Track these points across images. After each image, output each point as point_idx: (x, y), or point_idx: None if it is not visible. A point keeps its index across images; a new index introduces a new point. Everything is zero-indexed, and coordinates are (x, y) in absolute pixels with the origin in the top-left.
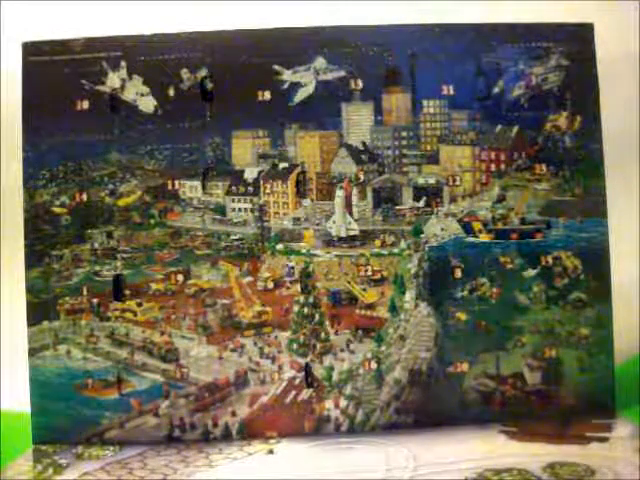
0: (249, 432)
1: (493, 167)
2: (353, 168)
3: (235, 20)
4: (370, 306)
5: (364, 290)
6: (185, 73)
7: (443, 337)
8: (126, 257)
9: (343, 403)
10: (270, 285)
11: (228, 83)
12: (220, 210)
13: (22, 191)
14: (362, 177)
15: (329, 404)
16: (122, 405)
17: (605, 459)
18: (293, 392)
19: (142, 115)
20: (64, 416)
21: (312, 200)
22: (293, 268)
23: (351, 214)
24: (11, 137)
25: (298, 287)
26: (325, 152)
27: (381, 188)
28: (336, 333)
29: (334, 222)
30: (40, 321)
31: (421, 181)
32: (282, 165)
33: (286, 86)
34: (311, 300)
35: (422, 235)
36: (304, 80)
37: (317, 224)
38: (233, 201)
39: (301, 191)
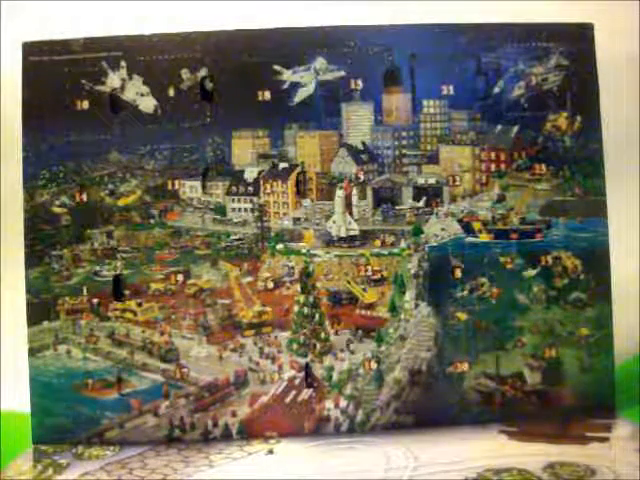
0: (249, 432)
1: (493, 167)
2: (353, 168)
3: (235, 20)
4: (370, 306)
5: (364, 290)
6: (185, 73)
7: (443, 337)
8: (126, 257)
9: (343, 403)
10: (270, 285)
11: (228, 83)
12: (220, 210)
13: (22, 191)
14: (362, 177)
15: (329, 404)
16: (122, 405)
17: (605, 459)
18: (293, 392)
19: (142, 115)
20: (64, 416)
21: (312, 200)
22: (293, 268)
23: (351, 214)
24: (11, 137)
25: (298, 287)
26: (325, 152)
27: (381, 188)
28: (336, 333)
29: (334, 222)
30: (40, 321)
31: (421, 181)
32: (282, 165)
33: (286, 86)
34: (311, 300)
35: (422, 235)
36: (304, 80)
37: (317, 224)
38: (233, 201)
39: (301, 191)
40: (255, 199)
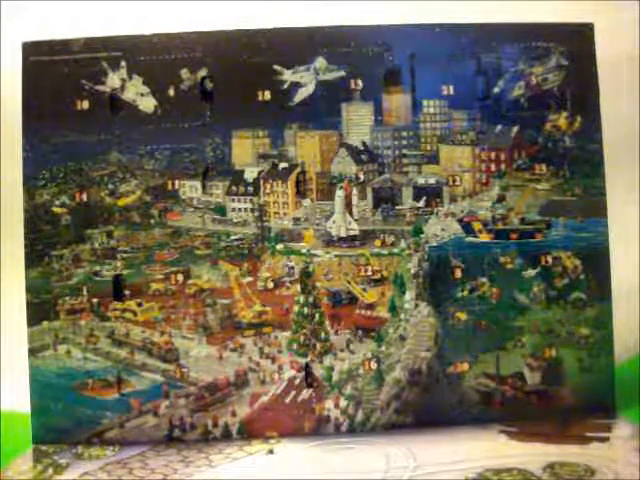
0: (249, 432)
1: (493, 167)
2: (353, 168)
3: (235, 20)
4: (370, 306)
5: (364, 290)
6: (185, 73)
7: (443, 337)
8: (126, 257)
9: (343, 403)
10: (270, 285)
11: (228, 83)
12: (220, 210)
13: (22, 191)
14: (362, 177)
15: (329, 404)
16: (122, 405)
17: (605, 459)
18: (293, 392)
19: (142, 115)
20: (64, 416)
21: (312, 200)
22: (293, 268)
23: (351, 214)
24: (11, 137)
25: (298, 287)
26: (325, 152)
27: (381, 188)
28: (336, 333)
29: (334, 222)
30: (40, 321)
31: (421, 181)
32: (282, 165)
33: (286, 86)
34: (311, 300)
35: (422, 235)
36: (304, 80)
37: (317, 224)
38: (233, 201)
39: (301, 191)
40: (255, 199)
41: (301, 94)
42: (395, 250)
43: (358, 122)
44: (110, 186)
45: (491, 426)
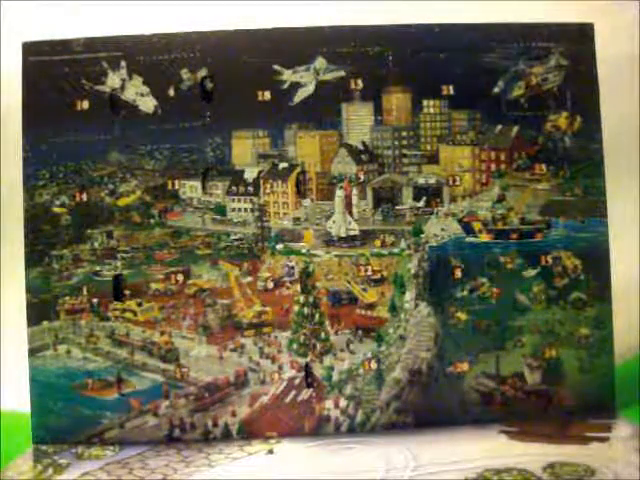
0: (249, 432)
1: (493, 167)
2: (353, 168)
3: (235, 20)
4: (370, 306)
5: (364, 290)
6: (185, 73)
7: (443, 337)
8: (126, 257)
9: (343, 403)
10: (270, 285)
11: (228, 83)
12: (220, 210)
13: (22, 191)
14: (362, 177)
15: (329, 404)
16: (122, 405)
17: (605, 459)
18: (293, 392)
19: (142, 115)
20: (64, 416)
21: (312, 200)
22: (293, 268)
23: (351, 214)
24: (11, 137)
25: (298, 287)
26: (325, 152)
27: (381, 188)
28: (336, 333)
29: (334, 222)
30: (40, 321)
31: (421, 181)
32: (282, 165)
33: (286, 86)
34: (311, 300)
35: (422, 235)
36: (304, 80)
37: (317, 224)
38: (233, 201)
39: (301, 191)
40: (255, 199)
41: (301, 94)
42: (395, 250)
43: (358, 122)
44: (110, 186)
45: (491, 426)
